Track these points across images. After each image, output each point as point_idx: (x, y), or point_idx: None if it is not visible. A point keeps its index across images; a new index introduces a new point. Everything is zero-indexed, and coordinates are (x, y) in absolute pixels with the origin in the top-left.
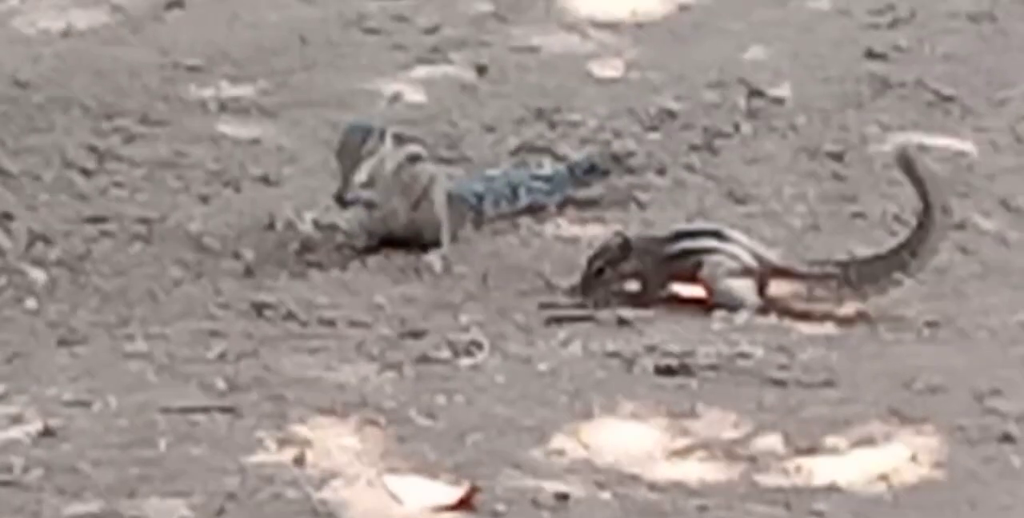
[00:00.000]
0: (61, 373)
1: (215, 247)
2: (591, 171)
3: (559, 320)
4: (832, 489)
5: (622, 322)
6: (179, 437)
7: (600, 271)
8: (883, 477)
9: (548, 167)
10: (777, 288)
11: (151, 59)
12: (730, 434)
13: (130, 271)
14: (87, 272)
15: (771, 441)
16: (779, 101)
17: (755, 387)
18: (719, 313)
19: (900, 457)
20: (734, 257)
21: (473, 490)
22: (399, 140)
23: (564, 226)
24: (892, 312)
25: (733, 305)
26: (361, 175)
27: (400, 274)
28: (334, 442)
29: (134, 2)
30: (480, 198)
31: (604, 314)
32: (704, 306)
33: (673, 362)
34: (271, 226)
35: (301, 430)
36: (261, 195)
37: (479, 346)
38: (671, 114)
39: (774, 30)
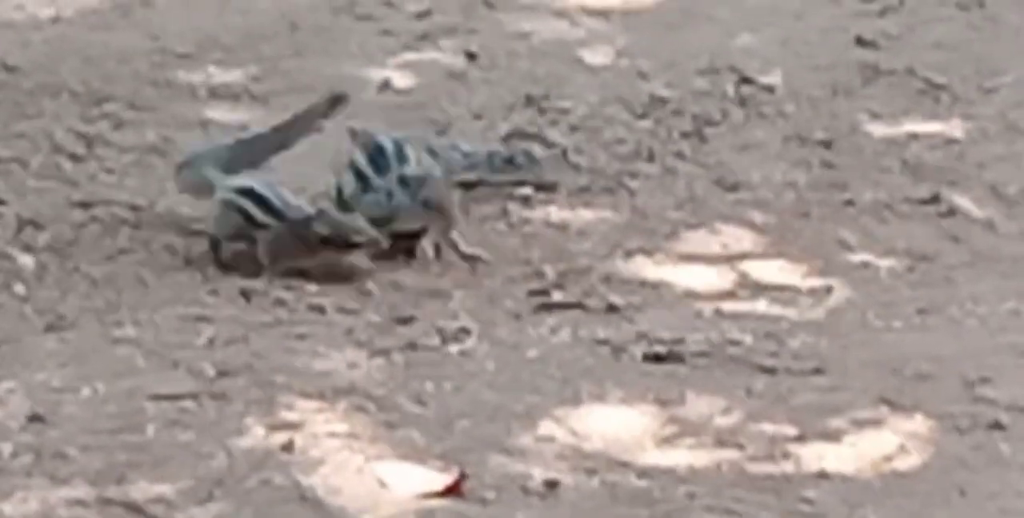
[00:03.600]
0: (49, 359)
1: (204, 233)
2: (508, 162)
3: (548, 307)
4: (821, 476)
5: (611, 309)
6: (167, 423)
7: None
8: (872, 464)
9: (469, 144)
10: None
11: (140, 45)
12: (719, 421)
13: (119, 257)
14: (76, 258)
15: (760, 428)
16: (769, 89)
17: (744, 374)
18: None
19: (890, 444)
20: None
21: (462, 477)
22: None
23: (553, 212)
24: (882, 299)
25: None
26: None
27: (389, 261)
28: (323, 428)
29: None
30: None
31: (593, 301)
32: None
33: (662, 349)
34: None
35: (290, 416)
36: None
37: (468, 333)
38: (661, 101)
39: (764, 17)
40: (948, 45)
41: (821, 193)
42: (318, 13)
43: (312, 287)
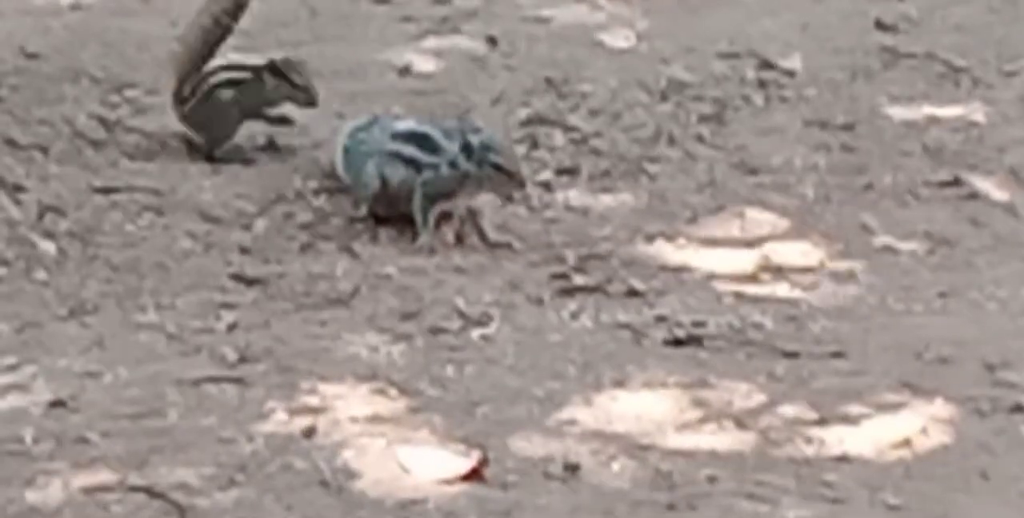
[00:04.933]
0: (71, 344)
1: (225, 218)
2: None
3: (570, 291)
4: (842, 460)
5: (633, 293)
6: (189, 408)
7: None
8: (894, 448)
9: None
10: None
11: (161, 30)
12: (741, 405)
13: (140, 242)
14: (97, 243)
15: (782, 412)
16: (789, 72)
17: (766, 358)
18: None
19: (911, 428)
20: None
21: (483, 461)
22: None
23: (574, 197)
24: (902, 283)
25: None
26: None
27: (409, 246)
28: (344, 413)
29: None
30: None
31: (615, 285)
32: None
33: (683, 333)
34: (281, 198)
35: (311, 401)
36: (271, 167)
37: (489, 317)
38: (681, 85)
39: (784, 1)
40: (968, 28)
41: (841, 177)
42: None
43: (333, 271)
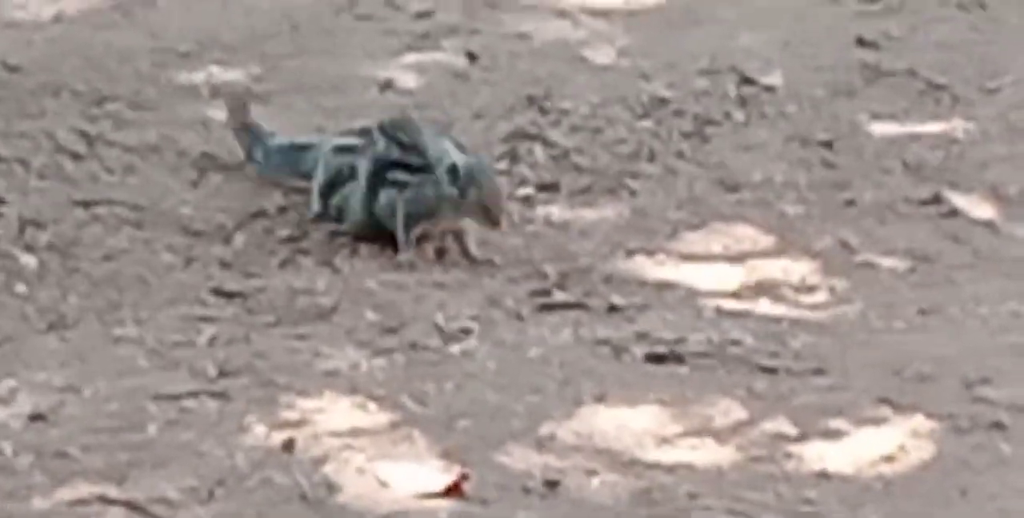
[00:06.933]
0: (51, 358)
1: (206, 232)
2: None
3: (550, 307)
4: (822, 476)
5: (613, 309)
6: (169, 422)
7: None
8: (874, 464)
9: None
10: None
11: (142, 44)
12: (721, 421)
13: (120, 256)
14: (77, 257)
15: (762, 428)
16: (770, 89)
17: (745, 374)
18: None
19: (890, 445)
20: None
21: (463, 476)
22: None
23: (555, 212)
24: (883, 299)
25: None
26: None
27: (389, 261)
28: (324, 427)
29: None
30: None
31: (595, 301)
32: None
33: (663, 349)
34: (262, 212)
35: (291, 416)
36: (252, 181)
37: (469, 333)
38: (662, 101)
39: (765, 18)
40: (949, 46)
41: (822, 193)
42: (320, 13)
43: (313, 286)
